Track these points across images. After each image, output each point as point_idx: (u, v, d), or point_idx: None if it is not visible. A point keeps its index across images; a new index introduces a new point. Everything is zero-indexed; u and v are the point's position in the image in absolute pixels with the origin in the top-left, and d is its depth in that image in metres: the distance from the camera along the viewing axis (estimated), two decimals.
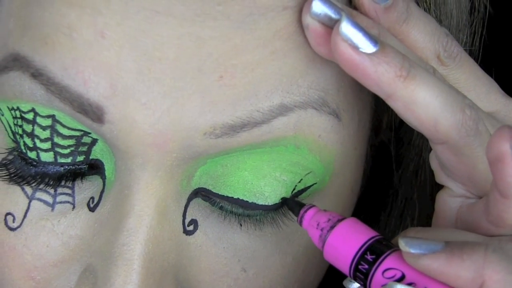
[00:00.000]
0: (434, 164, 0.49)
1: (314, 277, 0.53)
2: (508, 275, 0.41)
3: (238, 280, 0.50)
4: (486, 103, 0.50)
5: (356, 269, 0.44)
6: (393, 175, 0.59)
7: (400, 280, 0.43)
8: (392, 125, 0.57)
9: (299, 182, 0.49)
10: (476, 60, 0.56)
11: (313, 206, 0.47)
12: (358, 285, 0.46)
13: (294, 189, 0.49)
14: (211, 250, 0.49)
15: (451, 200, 0.49)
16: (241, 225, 0.49)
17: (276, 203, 0.49)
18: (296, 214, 0.48)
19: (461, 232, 0.45)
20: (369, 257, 0.44)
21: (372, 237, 0.44)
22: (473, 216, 0.47)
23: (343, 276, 0.46)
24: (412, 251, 0.42)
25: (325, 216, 0.46)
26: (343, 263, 0.45)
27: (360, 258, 0.44)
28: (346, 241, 0.45)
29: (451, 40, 0.49)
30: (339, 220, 0.46)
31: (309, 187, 0.49)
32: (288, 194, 0.49)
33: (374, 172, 0.59)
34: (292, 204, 0.48)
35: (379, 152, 0.58)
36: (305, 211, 0.47)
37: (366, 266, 0.44)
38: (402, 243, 0.43)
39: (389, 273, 0.43)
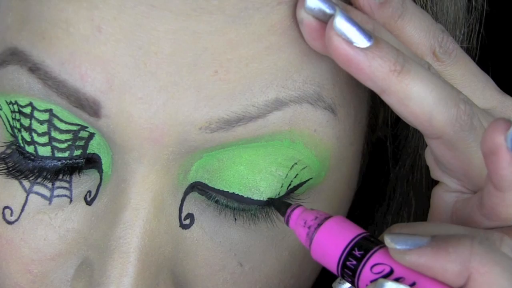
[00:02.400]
0: (429, 159, 0.49)
1: (310, 272, 0.53)
2: (494, 266, 0.41)
3: (234, 274, 0.50)
4: (481, 100, 0.50)
5: (344, 266, 0.44)
6: (390, 172, 0.59)
7: (389, 275, 0.43)
8: (389, 121, 0.57)
9: (295, 177, 0.49)
10: (473, 57, 0.56)
11: (300, 205, 0.47)
12: (348, 285, 0.46)
13: (290, 184, 0.49)
14: (207, 244, 0.49)
15: (446, 195, 0.49)
16: (235, 219, 0.49)
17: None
18: (283, 214, 0.47)
19: (446, 225, 0.45)
20: (357, 253, 0.43)
21: (360, 234, 0.44)
22: (468, 211, 0.47)
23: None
24: (398, 247, 0.42)
25: (312, 214, 0.46)
26: (331, 260, 0.44)
27: (348, 254, 0.44)
28: (334, 238, 0.44)
29: (447, 36, 0.49)
30: (326, 218, 0.45)
31: (305, 182, 0.49)
32: (284, 189, 0.49)
33: (371, 168, 0.59)
34: (279, 204, 0.48)
35: (376, 149, 0.59)
36: (292, 210, 0.47)
37: (354, 262, 0.43)
38: (388, 240, 0.42)
39: (377, 268, 0.43)
